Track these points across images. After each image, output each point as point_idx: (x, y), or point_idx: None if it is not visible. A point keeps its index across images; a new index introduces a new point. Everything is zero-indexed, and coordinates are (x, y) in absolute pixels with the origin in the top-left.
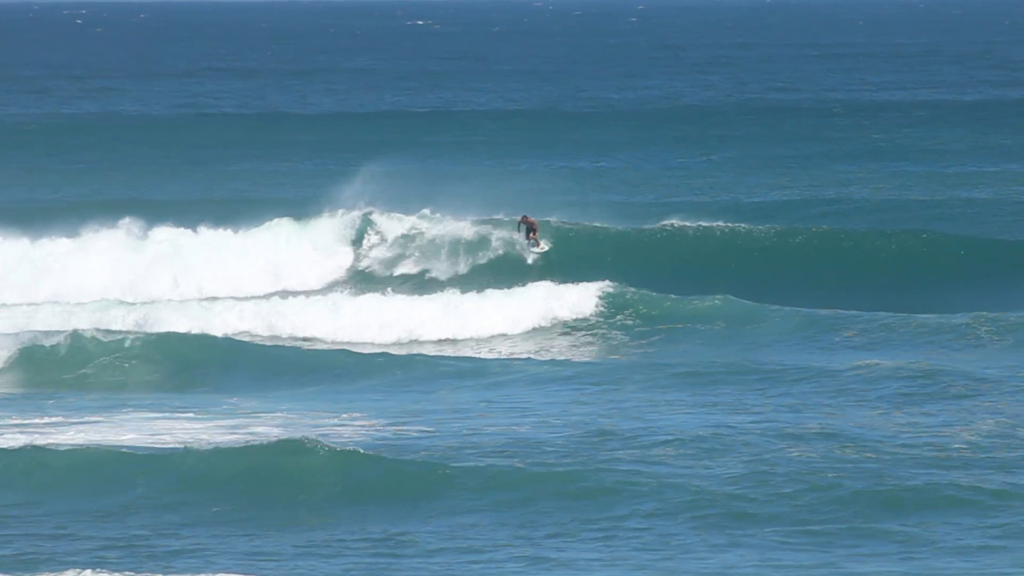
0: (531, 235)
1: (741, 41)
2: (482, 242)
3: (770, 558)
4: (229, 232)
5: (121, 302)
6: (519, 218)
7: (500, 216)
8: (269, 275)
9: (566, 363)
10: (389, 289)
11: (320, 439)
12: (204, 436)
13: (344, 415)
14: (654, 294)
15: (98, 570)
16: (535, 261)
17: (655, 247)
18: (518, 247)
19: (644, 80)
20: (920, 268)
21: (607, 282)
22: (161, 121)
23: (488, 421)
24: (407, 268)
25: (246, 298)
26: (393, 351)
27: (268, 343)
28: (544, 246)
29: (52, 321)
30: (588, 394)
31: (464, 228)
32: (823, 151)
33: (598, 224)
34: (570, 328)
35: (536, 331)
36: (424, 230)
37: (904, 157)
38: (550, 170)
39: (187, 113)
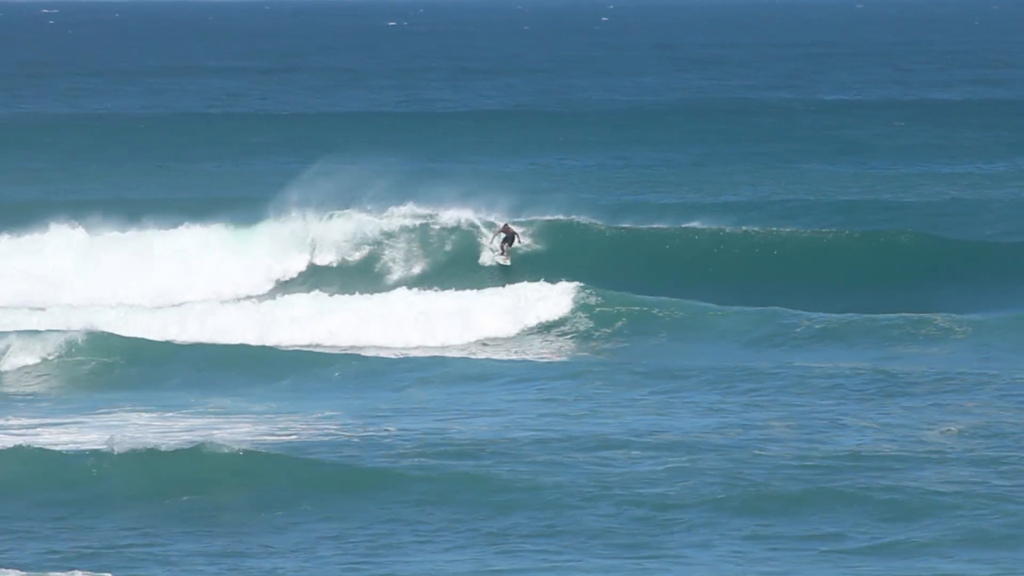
0: (505, 244)
1: (718, 40)
2: (450, 242)
3: (741, 558)
4: (181, 231)
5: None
6: (500, 225)
7: (466, 215)
8: (224, 278)
9: (532, 363)
10: (356, 291)
11: (280, 441)
12: (168, 436)
13: (313, 415)
14: (623, 294)
15: (29, 571)
16: (499, 266)
17: (626, 246)
18: (487, 250)
19: (617, 79)
20: (888, 268)
21: (576, 282)
22: (135, 120)
23: (452, 422)
24: (375, 269)
25: (193, 302)
26: (363, 353)
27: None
28: (509, 260)
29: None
30: (552, 394)
31: (431, 228)
32: (794, 150)
33: (566, 219)
34: (538, 328)
35: (505, 331)
36: (394, 229)
37: (874, 156)
38: (520, 168)
39: (160, 113)
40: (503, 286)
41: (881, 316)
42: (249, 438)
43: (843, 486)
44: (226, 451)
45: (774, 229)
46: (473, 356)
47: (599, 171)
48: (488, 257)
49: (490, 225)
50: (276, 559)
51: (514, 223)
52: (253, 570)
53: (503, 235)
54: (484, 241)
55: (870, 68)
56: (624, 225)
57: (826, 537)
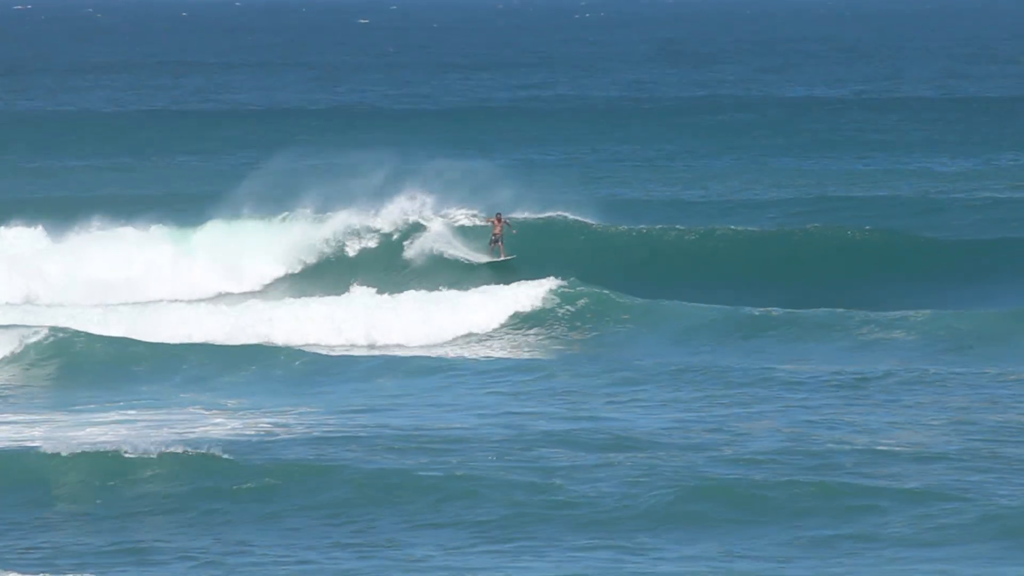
0: (494, 243)
1: (694, 36)
2: (414, 241)
3: (719, 553)
4: (129, 231)
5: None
6: (493, 217)
7: (430, 213)
8: (180, 278)
9: (500, 360)
10: (317, 292)
11: (251, 437)
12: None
13: (281, 413)
14: (593, 291)
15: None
16: (467, 263)
17: (598, 242)
18: (460, 244)
19: (592, 76)
20: (858, 264)
21: (549, 280)
22: (103, 118)
23: (418, 418)
24: (334, 269)
25: (143, 302)
26: (330, 353)
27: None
28: (509, 255)
29: None
30: (519, 390)
31: (396, 226)
32: (766, 145)
33: (546, 217)
34: (508, 325)
35: (475, 328)
36: (356, 229)
37: (846, 151)
38: (493, 164)
39: (133, 109)
40: (473, 283)
41: (849, 312)
42: (224, 435)
43: (813, 479)
44: (200, 451)
45: (753, 228)
46: (439, 354)
47: (573, 166)
48: (489, 255)
49: (443, 214)
50: (255, 555)
51: (488, 219)
52: (233, 566)
53: (495, 224)
54: (422, 228)
55: (844, 65)
56: (593, 220)
57: (798, 529)
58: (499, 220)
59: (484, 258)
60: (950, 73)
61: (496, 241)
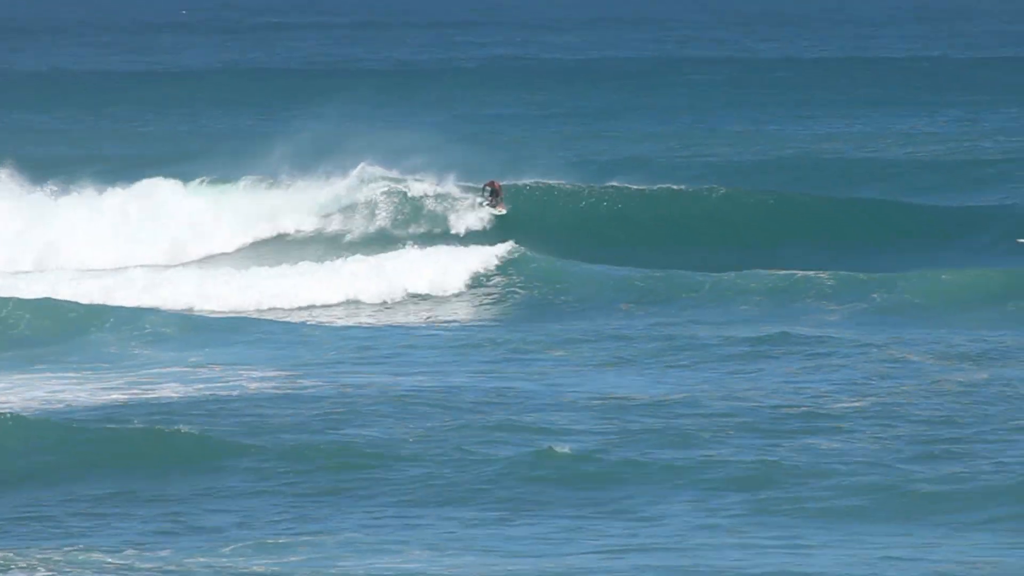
0: (493, 198)
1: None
2: (359, 207)
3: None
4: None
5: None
6: (485, 183)
7: (374, 174)
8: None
9: (443, 325)
10: (272, 259)
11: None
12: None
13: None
14: (535, 256)
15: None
16: (488, 222)
17: (540, 205)
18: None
19: (539, 34)
20: (780, 228)
21: (511, 243)
22: (74, 77)
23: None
24: (293, 237)
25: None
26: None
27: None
28: (504, 209)
29: None
30: (458, 357)
31: (333, 191)
32: (721, 106)
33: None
34: (454, 291)
35: (407, 298)
36: (290, 194)
37: (771, 114)
38: (442, 120)
39: (94, 68)
40: (417, 248)
41: (796, 274)
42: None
43: (761, 444)
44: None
45: (693, 188)
46: (384, 319)
47: (522, 125)
48: (487, 215)
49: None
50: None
51: (486, 184)
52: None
53: (489, 189)
54: (479, 200)
55: (811, 26)
56: (530, 180)
57: (752, 494)
58: (492, 184)
59: (488, 212)
60: (917, 34)
61: (494, 197)
